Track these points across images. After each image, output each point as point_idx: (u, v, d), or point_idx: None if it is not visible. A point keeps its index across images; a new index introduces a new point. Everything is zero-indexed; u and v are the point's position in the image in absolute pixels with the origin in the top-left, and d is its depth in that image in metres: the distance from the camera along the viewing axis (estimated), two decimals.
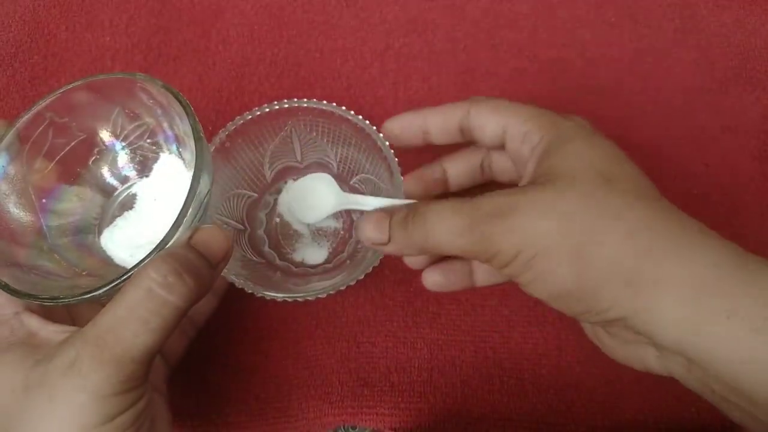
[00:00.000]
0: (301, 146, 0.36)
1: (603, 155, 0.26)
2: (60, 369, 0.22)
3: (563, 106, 0.40)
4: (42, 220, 0.29)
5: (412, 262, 0.32)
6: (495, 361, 0.34)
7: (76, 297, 0.23)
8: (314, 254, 0.35)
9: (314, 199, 0.34)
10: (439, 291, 0.32)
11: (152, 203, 0.30)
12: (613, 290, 0.23)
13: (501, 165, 0.32)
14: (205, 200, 0.26)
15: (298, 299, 0.29)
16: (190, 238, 0.24)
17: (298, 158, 0.36)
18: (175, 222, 0.23)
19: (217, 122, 0.40)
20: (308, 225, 0.36)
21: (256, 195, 0.36)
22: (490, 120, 0.29)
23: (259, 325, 0.35)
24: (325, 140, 0.35)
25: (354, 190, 0.36)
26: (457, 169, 0.33)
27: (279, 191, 0.37)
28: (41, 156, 0.29)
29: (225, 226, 0.33)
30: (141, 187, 0.32)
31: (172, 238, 0.23)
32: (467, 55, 0.42)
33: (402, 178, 0.31)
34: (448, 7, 0.44)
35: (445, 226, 0.25)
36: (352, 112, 0.32)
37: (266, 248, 0.35)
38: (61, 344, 0.23)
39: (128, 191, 0.32)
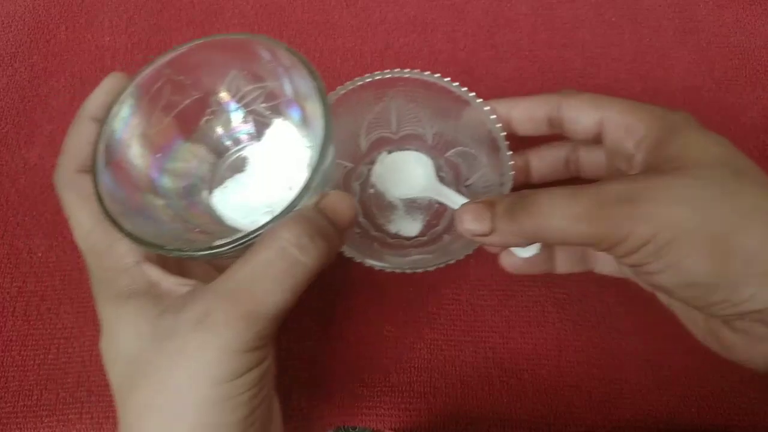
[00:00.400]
0: (398, 117, 0.35)
1: (723, 147, 0.25)
2: (191, 322, 0.22)
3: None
4: (156, 174, 0.29)
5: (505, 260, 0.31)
6: (495, 361, 0.33)
7: (203, 250, 0.23)
8: (408, 226, 0.35)
9: (406, 175, 0.34)
10: (517, 273, 0.31)
11: (265, 167, 0.31)
12: (756, 281, 0.22)
13: (589, 161, 0.32)
14: (331, 166, 0.25)
15: (406, 270, 0.28)
16: (318, 202, 0.24)
17: (393, 129, 0.36)
18: (305, 185, 0.23)
19: None
20: (400, 198, 0.36)
21: (351, 165, 0.36)
22: (585, 112, 0.29)
23: None
24: (422, 112, 0.34)
25: (449, 164, 0.36)
26: (542, 161, 0.33)
27: (373, 162, 0.36)
28: (159, 111, 0.29)
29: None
30: (252, 151, 0.32)
31: (301, 201, 0.23)
32: (467, 55, 0.42)
33: (510, 153, 0.30)
34: (448, 6, 0.44)
35: (563, 212, 0.24)
36: (456, 84, 0.32)
37: (361, 218, 0.35)
38: (190, 297, 0.23)
39: (239, 154, 0.32)
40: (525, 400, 0.33)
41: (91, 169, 0.25)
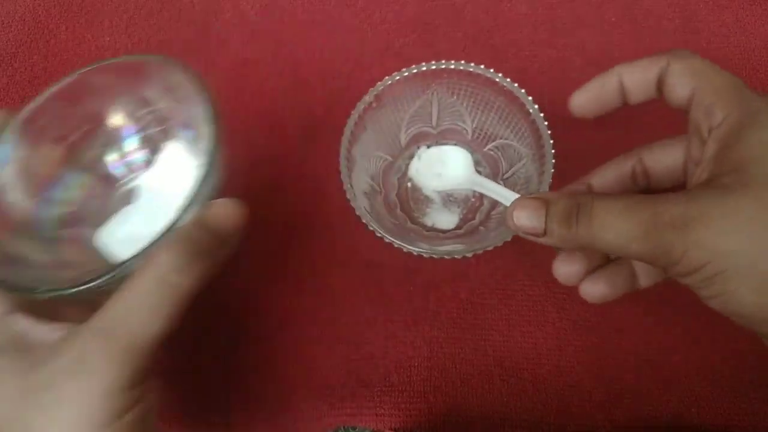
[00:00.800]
0: (438, 111, 0.35)
1: None
2: (66, 367, 0.21)
3: (562, 107, 0.40)
4: (37, 209, 0.27)
5: (566, 277, 0.29)
6: (495, 360, 0.34)
7: (76, 287, 0.22)
8: (445, 219, 0.35)
9: (444, 169, 0.34)
10: (600, 302, 0.29)
11: (156, 194, 0.30)
12: None
13: (660, 168, 0.30)
14: (217, 180, 0.25)
15: (434, 256, 0.29)
16: (199, 217, 0.23)
17: (433, 123, 0.36)
18: (185, 203, 0.22)
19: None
20: (438, 191, 0.36)
21: (391, 159, 0.36)
22: (682, 81, 0.26)
23: (259, 326, 0.35)
24: (464, 104, 0.34)
25: (487, 158, 0.36)
26: (605, 180, 0.31)
27: (411, 156, 0.36)
28: (47, 144, 0.28)
29: (369, 182, 0.34)
30: (145, 178, 0.31)
31: (180, 221, 0.22)
32: (467, 55, 0.42)
33: (551, 141, 0.30)
34: (448, 7, 0.44)
35: (617, 230, 0.23)
36: (501, 75, 0.32)
37: (398, 211, 0.35)
38: (63, 341, 0.21)
39: (132, 183, 0.31)
40: (525, 399, 0.33)
41: None
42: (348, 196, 0.29)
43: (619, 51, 0.42)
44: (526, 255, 0.36)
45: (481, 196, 0.35)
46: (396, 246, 0.29)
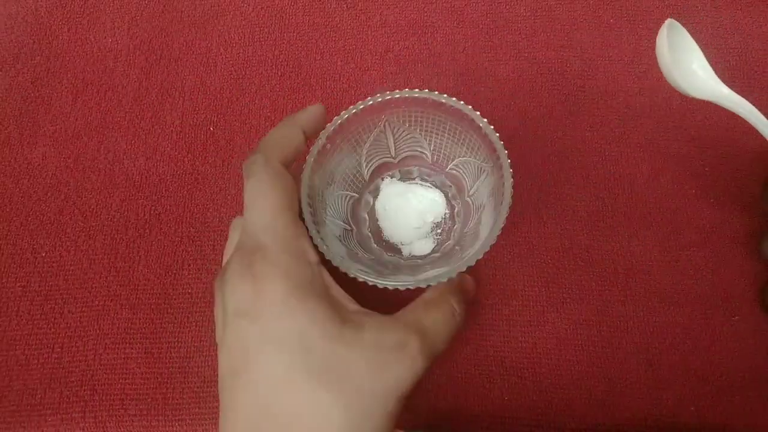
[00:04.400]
0: (394, 140, 0.35)
1: None
2: (392, 346, 0.25)
3: (562, 107, 0.40)
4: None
5: None
6: (496, 360, 0.34)
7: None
8: (421, 246, 0.35)
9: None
10: None
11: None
12: None
13: None
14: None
15: (410, 287, 0.29)
16: (461, 279, 0.30)
17: (392, 153, 0.36)
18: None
19: (218, 123, 0.40)
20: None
21: (357, 195, 0.36)
22: None
23: None
24: (417, 130, 0.35)
25: (451, 177, 0.36)
26: None
27: (377, 190, 0.36)
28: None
29: (337, 224, 0.34)
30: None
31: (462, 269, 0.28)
32: (467, 57, 0.42)
33: (506, 152, 0.30)
34: (447, 9, 0.44)
35: None
36: (446, 95, 0.32)
37: (374, 245, 0.35)
38: (376, 318, 0.26)
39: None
40: (525, 398, 0.33)
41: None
42: (321, 250, 0.28)
43: (617, 52, 0.42)
44: (526, 256, 0.36)
45: (453, 215, 0.36)
46: (380, 286, 0.28)
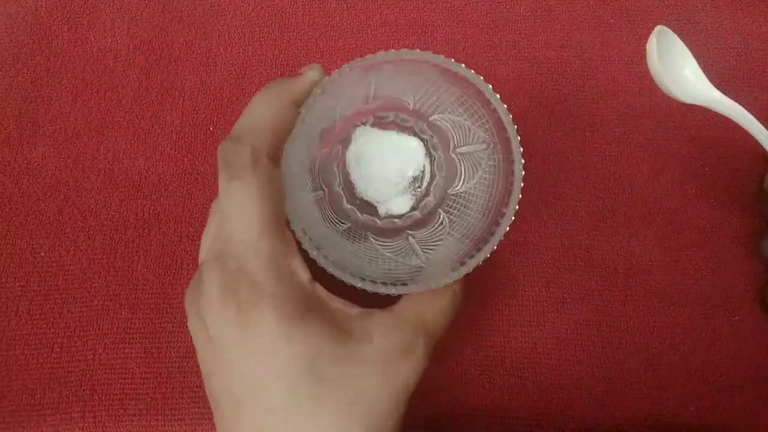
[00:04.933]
0: (375, 89, 0.30)
1: None
2: (399, 350, 0.24)
3: (562, 107, 0.40)
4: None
5: None
6: (496, 360, 0.34)
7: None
8: (399, 204, 0.32)
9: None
10: None
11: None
12: None
13: None
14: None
15: (392, 292, 0.26)
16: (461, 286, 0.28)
17: (369, 100, 0.31)
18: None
19: (218, 123, 0.40)
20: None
21: (326, 150, 0.31)
22: None
23: None
24: (406, 82, 0.30)
25: (434, 128, 0.32)
26: None
27: (348, 139, 0.32)
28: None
29: (315, 193, 0.30)
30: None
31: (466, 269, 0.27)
32: (466, 57, 0.42)
33: (517, 133, 0.27)
34: (447, 9, 0.44)
35: None
36: (441, 56, 0.27)
37: (346, 204, 0.31)
38: (378, 322, 0.25)
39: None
40: (526, 398, 0.33)
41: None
42: (319, 262, 0.26)
43: (617, 52, 0.42)
44: (526, 255, 0.36)
45: (432, 167, 0.32)
46: (359, 287, 0.26)
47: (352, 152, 0.31)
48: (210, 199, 0.38)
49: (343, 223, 0.31)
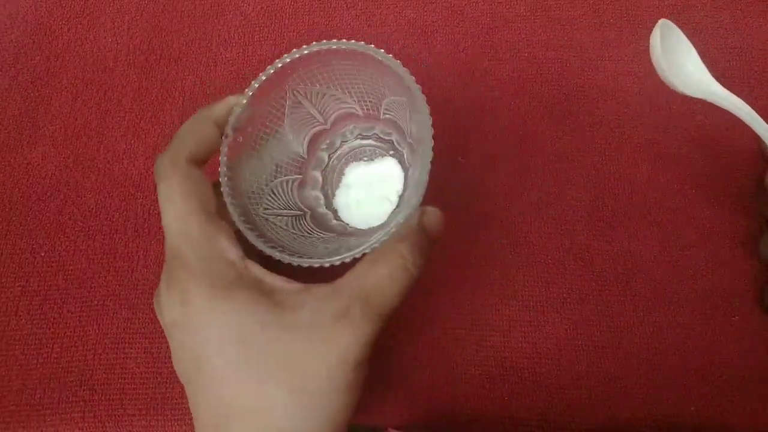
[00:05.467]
0: (314, 105, 0.32)
1: None
2: (333, 316, 0.24)
3: (562, 107, 0.40)
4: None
5: None
6: (496, 360, 0.34)
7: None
8: (377, 217, 0.33)
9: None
10: None
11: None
12: None
13: None
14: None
15: (346, 260, 0.27)
16: (420, 220, 0.27)
17: (320, 119, 0.33)
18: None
19: None
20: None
21: (300, 176, 0.33)
22: None
23: None
24: (332, 86, 0.32)
25: (388, 124, 0.33)
26: None
27: (321, 164, 0.34)
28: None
29: (279, 217, 0.31)
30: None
31: (408, 218, 0.26)
32: (466, 56, 0.42)
33: (419, 87, 0.27)
34: (447, 8, 0.44)
35: None
36: (335, 41, 0.29)
37: (333, 221, 0.33)
38: (315, 293, 0.25)
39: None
40: (525, 398, 0.33)
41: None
42: (255, 244, 0.27)
43: (617, 52, 0.42)
44: (526, 255, 0.36)
45: (404, 163, 0.33)
46: (316, 266, 0.27)
47: (341, 200, 0.34)
48: None
49: (326, 235, 0.32)
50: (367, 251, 0.26)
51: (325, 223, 0.33)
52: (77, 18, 0.44)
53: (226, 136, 0.29)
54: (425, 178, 0.26)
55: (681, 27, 0.43)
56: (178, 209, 0.26)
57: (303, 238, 0.31)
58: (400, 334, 0.34)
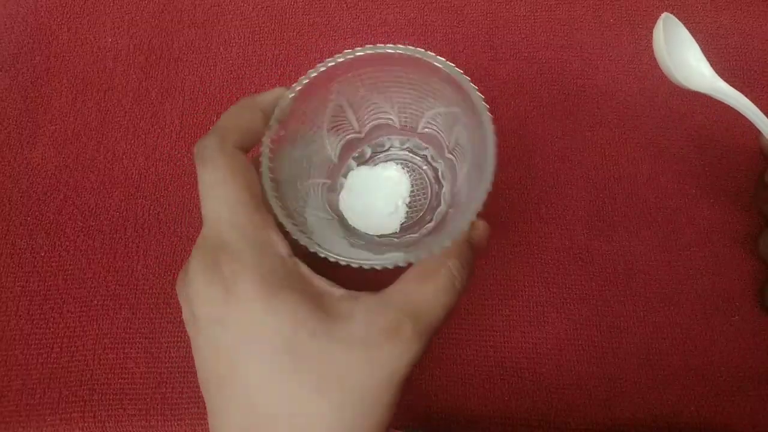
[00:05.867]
0: (354, 112, 0.32)
1: None
2: (383, 335, 0.23)
3: (562, 107, 0.40)
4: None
5: None
6: (496, 360, 0.34)
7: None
8: (386, 226, 0.33)
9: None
10: None
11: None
12: None
13: None
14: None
15: (400, 264, 0.26)
16: (469, 234, 0.26)
17: (356, 127, 0.33)
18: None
19: None
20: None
21: (329, 181, 0.33)
22: None
23: None
24: (375, 93, 0.31)
25: (426, 138, 0.33)
26: None
27: (348, 170, 0.34)
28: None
29: (321, 216, 0.31)
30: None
31: (461, 233, 0.26)
32: (466, 57, 0.42)
33: (481, 96, 0.27)
34: (447, 9, 0.44)
35: None
36: (391, 45, 0.28)
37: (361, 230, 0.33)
38: (365, 303, 0.24)
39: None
40: (526, 398, 0.33)
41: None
42: (297, 237, 0.26)
43: (617, 52, 0.42)
44: (526, 255, 0.36)
45: (438, 179, 0.33)
46: (367, 267, 0.26)
47: (344, 199, 0.33)
48: None
49: (357, 241, 0.32)
50: (412, 260, 0.25)
51: (351, 229, 0.33)
52: (77, 18, 0.44)
53: (270, 128, 0.28)
54: (484, 196, 0.25)
55: None
56: (227, 195, 0.24)
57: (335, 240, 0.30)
58: None
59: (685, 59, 0.32)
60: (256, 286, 0.22)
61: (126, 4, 0.44)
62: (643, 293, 0.35)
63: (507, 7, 0.44)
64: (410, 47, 0.28)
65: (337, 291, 0.25)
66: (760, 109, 0.40)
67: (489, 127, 0.26)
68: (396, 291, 0.25)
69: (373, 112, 0.33)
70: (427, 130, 0.33)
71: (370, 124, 0.33)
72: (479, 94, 0.27)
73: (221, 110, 0.41)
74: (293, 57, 0.42)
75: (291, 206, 0.28)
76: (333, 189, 0.33)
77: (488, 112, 0.26)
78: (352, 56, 0.28)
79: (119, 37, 0.43)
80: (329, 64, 0.28)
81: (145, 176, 0.39)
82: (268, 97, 0.27)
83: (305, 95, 0.29)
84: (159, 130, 0.40)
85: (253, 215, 0.24)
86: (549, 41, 0.43)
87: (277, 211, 0.26)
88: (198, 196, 0.35)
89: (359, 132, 0.33)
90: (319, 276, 0.25)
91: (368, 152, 0.34)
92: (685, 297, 0.35)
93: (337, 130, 0.32)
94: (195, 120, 0.40)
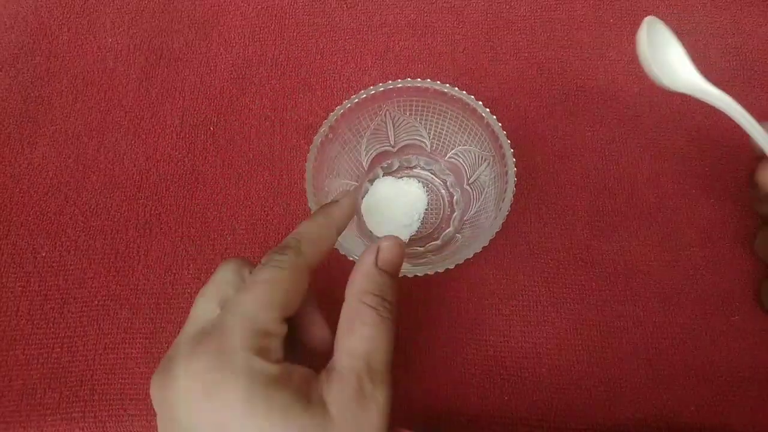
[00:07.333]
0: (394, 128, 0.36)
1: None
2: (353, 401, 0.23)
3: (562, 107, 0.40)
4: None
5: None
6: (496, 360, 0.34)
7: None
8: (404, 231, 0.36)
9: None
10: None
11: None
12: None
13: None
14: None
15: (422, 274, 0.29)
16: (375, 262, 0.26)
17: (391, 142, 0.36)
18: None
19: (218, 123, 0.40)
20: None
21: (356, 183, 0.36)
22: None
23: None
24: (417, 119, 0.35)
25: (451, 166, 0.37)
26: None
27: (375, 177, 0.37)
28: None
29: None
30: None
31: (364, 266, 0.27)
32: (466, 57, 0.42)
33: (509, 142, 0.31)
34: (447, 9, 0.44)
35: None
36: (448, 85, 0.32)
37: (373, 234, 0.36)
38: (338, 380, 0.23)
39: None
40: (526, 398, 0.33)
41: None
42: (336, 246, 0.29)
43: (617, 52, 0.42)
44: (526, 255, 0.36)
45: (452, 204, 0.36)
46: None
47: (368, 203, 0.36)
48: (210, 200, 0.38)
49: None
50: (418, 273, 0.29)
51: (364, 230, 0.35)
52: (77, 18, 0.44)
53: (321, 129, 0.32)
54: (496, 232, 0.29)
55: (680, 27, 0.43)
56: (267, 297, 0.24)
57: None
58: (399, 336, 0.34)
59: (668, 60, 0.32)
60: (243, 388, 0.22)
61: (126, 4, 0.44)
62: (643, 293, 0.35)
63: (507, 7, 0.44)
64: (463, 92, 0.32)
65: (303, 370, 0.24)
66: (762, 112, 0.40)
67: (512, 179, 0.30)
68: (340, 352, 0.24)
69: (410, 132, 0.36)
70: (453, 159, 0.36)
71: (404, 142, 0.37)
72: (511, 148, 0.31)
73: (221, 110, 0.41)
74: (293, 57, 0.42)
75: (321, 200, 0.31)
76: (357, 192, 0.36)
77: (514, 166, 0.31)
78: (410, 85, 0.32)
79: (119, 37, 0.43)
80: (389, 86, 0.33)
81: (146, 176, 0.39)
82: (339, 212, 0.28)
83: (359, 106, 0.33)
84: (159, 130, 0.40)
85: (274, 322, 0.24)
86: (549, 41, 0.43)
87: (312, 202, 0.30)
88: (201, 196, 0.35)
89: (393, 146, 0.37)
90: (296, 366, 0.24)
91: (396, 165, 0.37)
92: (685, 297, 0.35)
93: (375, 141, 0.36)
94: (195, 120, 0.40)
